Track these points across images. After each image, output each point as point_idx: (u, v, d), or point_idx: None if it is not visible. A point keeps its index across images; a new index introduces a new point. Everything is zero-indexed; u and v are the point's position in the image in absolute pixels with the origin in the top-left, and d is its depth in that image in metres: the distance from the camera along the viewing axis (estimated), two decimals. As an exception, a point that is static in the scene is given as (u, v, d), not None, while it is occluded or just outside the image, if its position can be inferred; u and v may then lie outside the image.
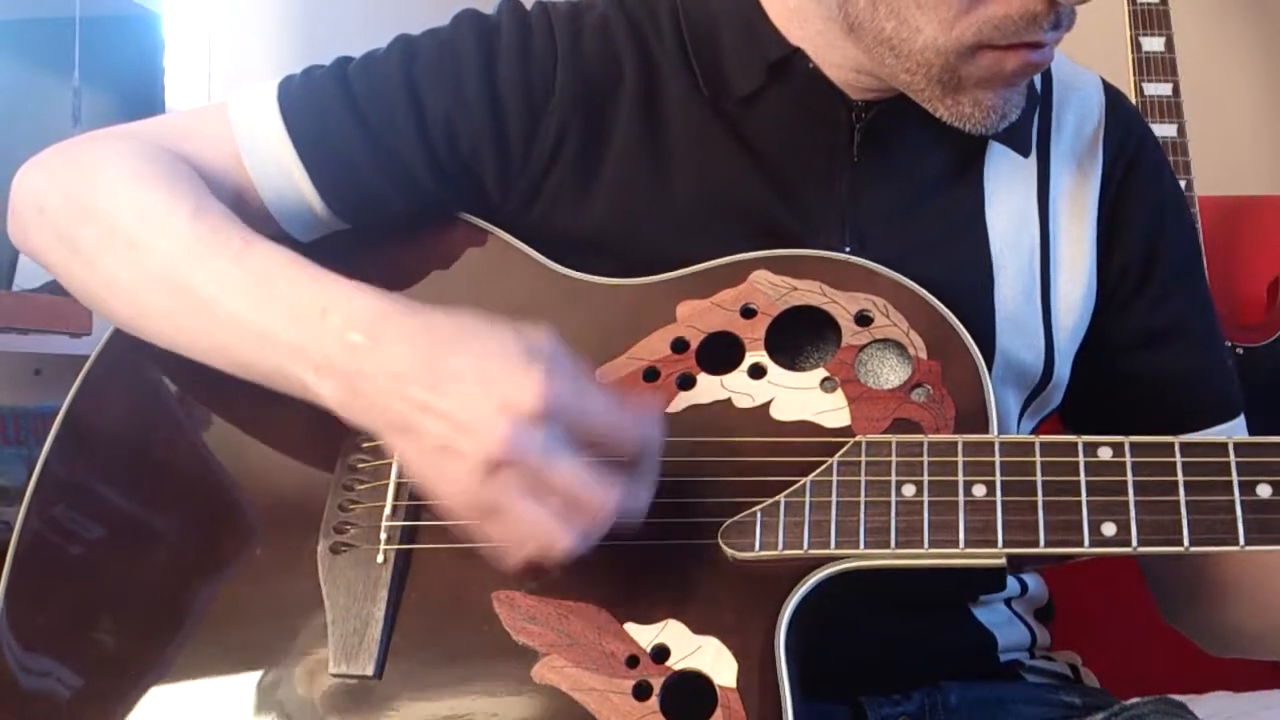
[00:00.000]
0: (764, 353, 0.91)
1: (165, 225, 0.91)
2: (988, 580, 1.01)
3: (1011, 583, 1.05)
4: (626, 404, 0.82)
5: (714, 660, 0.83)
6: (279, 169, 1.00)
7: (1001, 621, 1.04)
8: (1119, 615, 1.47)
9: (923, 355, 0.89)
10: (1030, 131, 1.03)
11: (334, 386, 0.84)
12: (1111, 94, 1.08)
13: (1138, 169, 1.05)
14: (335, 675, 0.88)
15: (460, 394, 0.79)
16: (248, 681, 0.90)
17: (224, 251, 0.90)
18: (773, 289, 0.93)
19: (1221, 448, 0.81)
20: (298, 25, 2.53)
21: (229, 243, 0.90)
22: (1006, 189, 1.02)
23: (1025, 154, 1.02)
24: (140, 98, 2.25)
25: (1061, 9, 0.89)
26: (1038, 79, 1.05)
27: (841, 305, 0.91)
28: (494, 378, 0.79)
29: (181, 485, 0.98)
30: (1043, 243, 1.02)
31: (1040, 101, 1.05)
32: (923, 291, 0.91)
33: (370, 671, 0.87)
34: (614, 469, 0.81)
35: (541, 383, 0.78)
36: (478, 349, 0.81)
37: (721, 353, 0.92)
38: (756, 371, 0.91)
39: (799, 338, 0.92)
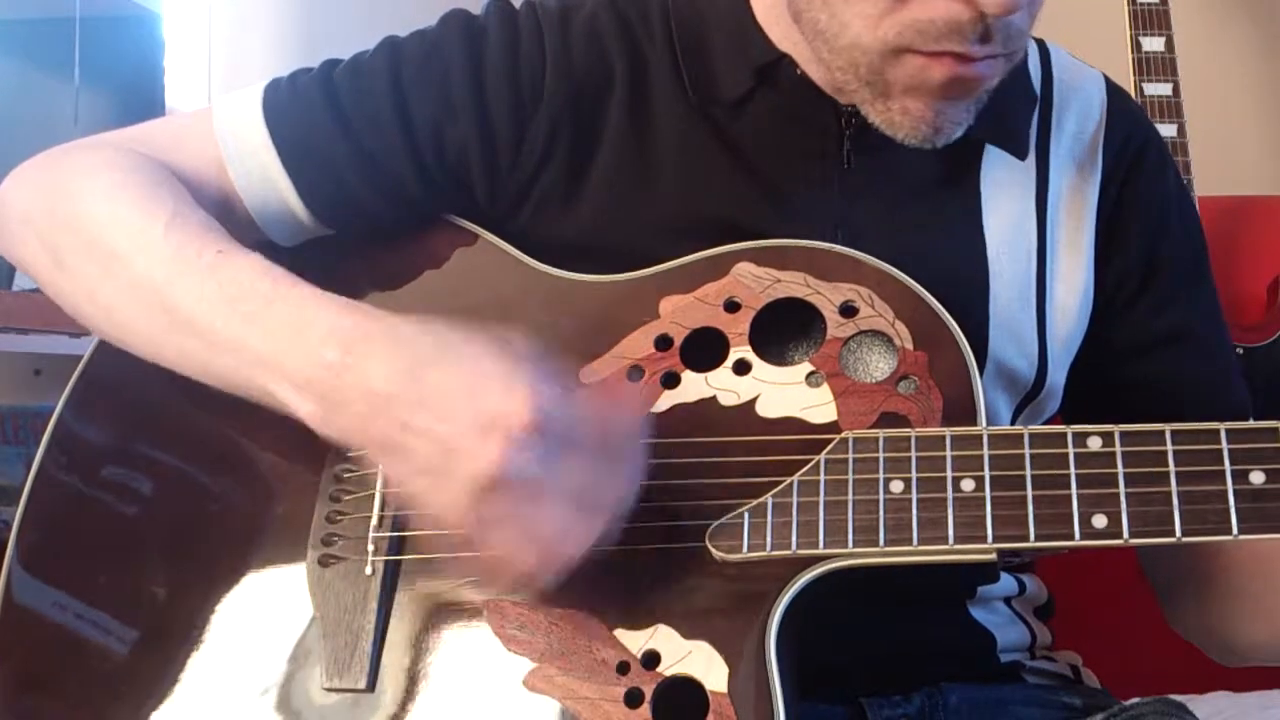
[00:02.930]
0: (748, 348, 0.90)
1: (141, 238, 0.90)
2: (980, 573, 1.00)
3: (1010, 581, 1.04)
4: (611, 399, 0.82)
5: (705, 665, 0.82)
6: (263, 175, 0.99)
7: (1001, 621, 1.03)
8: (1119, 615, 1.46)
9: (909, 346, 0.88)
10: (1028, 134, 1.01)
11: (313, 404, 0.83)
12: (1114, 93, 1.06)
13: (1140, 171, 1.03)
14: (328, 689, 0.88)
15: (445, 414, 0.78)
16: (240, 697, 0.90)
17: (198, 264, 0.89)
18: (756, 281, 0.91)
19: (1213, 434, 0.79)
20: (298, 25, 2.54)
21: (202, 255, 0.89)
22: (1004, 193, 1.00)
23: (1022, 157, 1.00)
24: (140, 98, 2.26)
25: (991, 23, 0.85)
26: (1037, 79, 1.03)
27: (826, 296, 0.90)
28: (481, 395, 0.78)
29: (170, 498, 0.97)
30: (1039, 248, 1.00)
31: (1040, 103, 1.03)
32: (908, 280, 0.89)
33: (362, 684, 0.87)
34: (605, 466, 0.80)
35: (530, 398, 0.78)
36: (462, 365, 0.80)
37: (706, 349, 0.90)
38: (741, 367, 0.89)
39: (784, 330, 0.91)
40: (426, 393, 0.79)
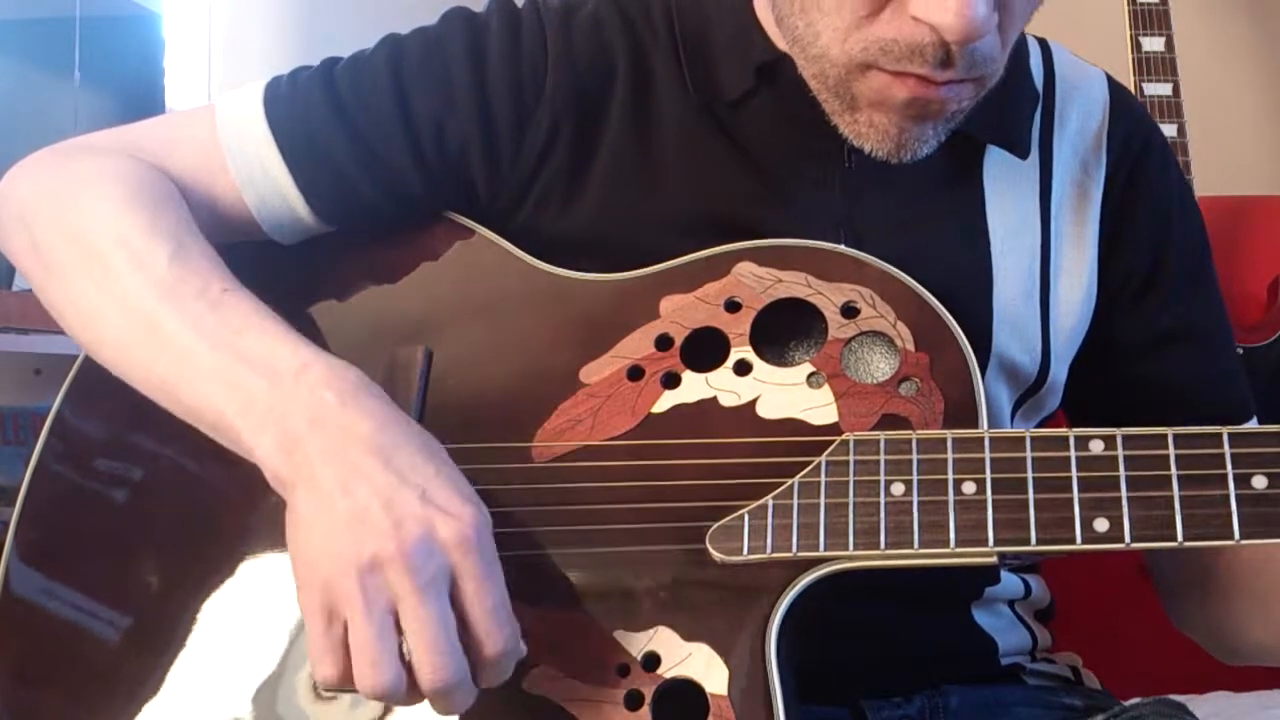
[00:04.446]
0: (749, 348, 0.89)
1: (143, 258, 0.89)
2: (981, 576, 1.00)
3: (1016, 584, 1.04)
4: (512, 618, 0.79)
5: (705, 667, 0.82)
6: (264, 172, 0.99)
7: (1003, 625, 1.02)
8: (1119, 616, 1.46)
9: (910, 347, 0.87)
10: (1029, 133, 1.01)
11: (274, 439, 0.81)
12: (1116, 91, 1.06)
13: (1143, 168, 1.03)
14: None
15: (401, 483, 0.78)
16: (235, 696, 0.89)
17: (201, 294, 0.88)
18: (757, 281, 0.91)
19: (1216, 439, 0.79)
20: (298, 25, 2.54)
21: (207, 288, 0.88)
22: (1007, 190, 1.00)
23: (1023, 156, 1.00)
24: (140, 98, 2.26)
25: (953, 49, 0.85)
26: (1039, 77, 1.03)
27: (827, 297, 0.90)
28: (436, 490, 0.78)
29: (167, 494, 0.97)
30: (1044, 244, 1.01)
31: (1042, 101, 1.03)
32: (911, 281, 0.89)
33: None
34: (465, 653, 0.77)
35: (474, 520, 0.77)
36: (437, 461, 0.80)
37: (706, 349, 0.90)
38: (742, 368, 0.89)
39: (785, 331, 0.91)
40: (395, 459, 0.79)
